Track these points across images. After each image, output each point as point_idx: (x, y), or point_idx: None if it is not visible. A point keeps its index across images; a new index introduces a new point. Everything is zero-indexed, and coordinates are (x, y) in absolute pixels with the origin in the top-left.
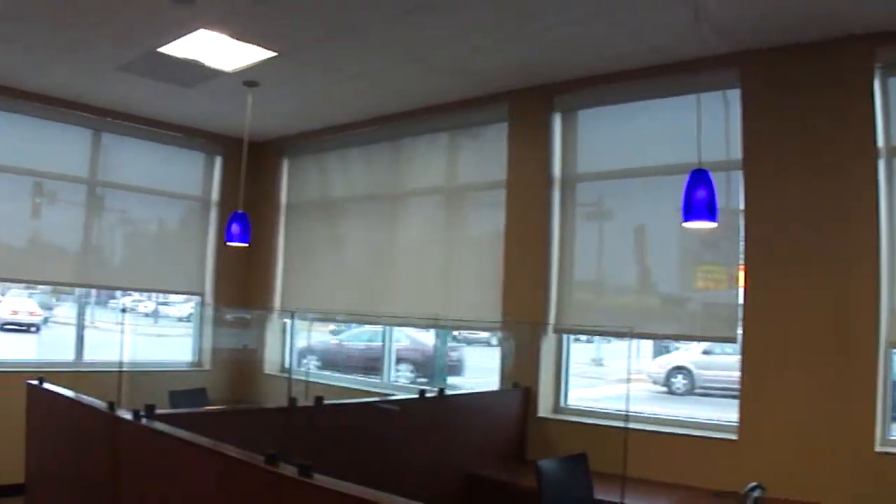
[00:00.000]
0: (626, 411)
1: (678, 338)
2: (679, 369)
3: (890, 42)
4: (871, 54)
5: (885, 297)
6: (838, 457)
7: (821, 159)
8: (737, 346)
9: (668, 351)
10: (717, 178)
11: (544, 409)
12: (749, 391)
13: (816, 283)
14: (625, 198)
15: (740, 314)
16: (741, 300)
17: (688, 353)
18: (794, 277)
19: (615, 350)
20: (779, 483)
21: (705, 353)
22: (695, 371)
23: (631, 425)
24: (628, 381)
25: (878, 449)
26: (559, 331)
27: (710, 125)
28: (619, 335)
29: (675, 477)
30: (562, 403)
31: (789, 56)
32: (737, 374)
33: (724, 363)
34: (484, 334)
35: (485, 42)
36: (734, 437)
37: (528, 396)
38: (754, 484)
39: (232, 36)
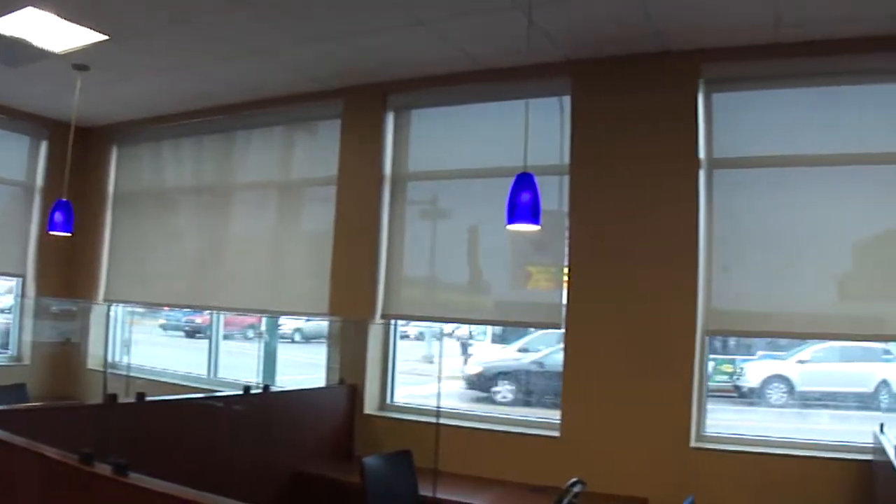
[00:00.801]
0: (438, 407)
1: (505, 324)
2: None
3: (714, 59)
4: (696, 70)
5: (700, 311)
6: (656, 452)
7: (645, 167)
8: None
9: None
10: (550, 182)
11: (371, 406)
12: (570, 388)
13: (636, 286)
14: (460, 198)
15: (564, 313)
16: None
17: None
18: (616, 279)
19: (449, 349)
20: (600, 478)
21: (801, 362)
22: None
23: (456, 423)
24: (439, 378)
25: (693, 444)
26: (387, 316)
27: (547, 130)
28: (443, 321)
29: (500, 473)
30: (388, 400)
31: (618, 67)
32: None
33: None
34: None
35: (316, 38)
36: (556, 433)
37: (355, 393)
38: (575, 479)
39: (61, 16)
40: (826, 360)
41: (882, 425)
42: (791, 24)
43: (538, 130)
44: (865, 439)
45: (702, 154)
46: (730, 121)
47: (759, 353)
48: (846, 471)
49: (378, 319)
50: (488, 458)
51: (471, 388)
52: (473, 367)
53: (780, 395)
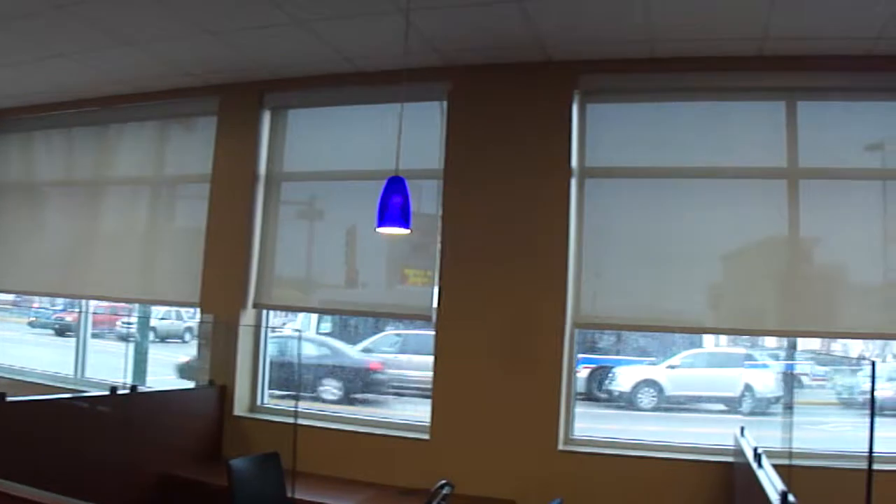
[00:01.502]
0: (296, 408)
1: (376, 314)
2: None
3: (589, 70)
4: (573, 80)
5: (569, 315)
6: (525, 454)
7: (519, 174)
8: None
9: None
10: (430, 186)
11: (241, 407)
12: (441, 391)
13: (507, 290)
14: (338, 199)
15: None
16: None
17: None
18: (487, 283)
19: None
20: (469, 480)
21: (671, 367)
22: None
23: (324, 425)
24: (298, 379)
25: (561, 447)
26: (259, 306)
27: (428, 134)
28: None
29: (371, 476)
30: (259, 402)
31: (496, 74)
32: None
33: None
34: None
35: (193, 32)
36: (426, 436)
37: (225, 394)
38: (443, 481)
39: None
40: (694, 365)
41: (742, 428)
42: (666, 40)
43: (419, 135)
44: (729, 442)
45: (574, 163)
46: (604, 131)
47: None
48: (709, 472)
49: (249, 309)
50: (358, 461)
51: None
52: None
53: (650, 399)
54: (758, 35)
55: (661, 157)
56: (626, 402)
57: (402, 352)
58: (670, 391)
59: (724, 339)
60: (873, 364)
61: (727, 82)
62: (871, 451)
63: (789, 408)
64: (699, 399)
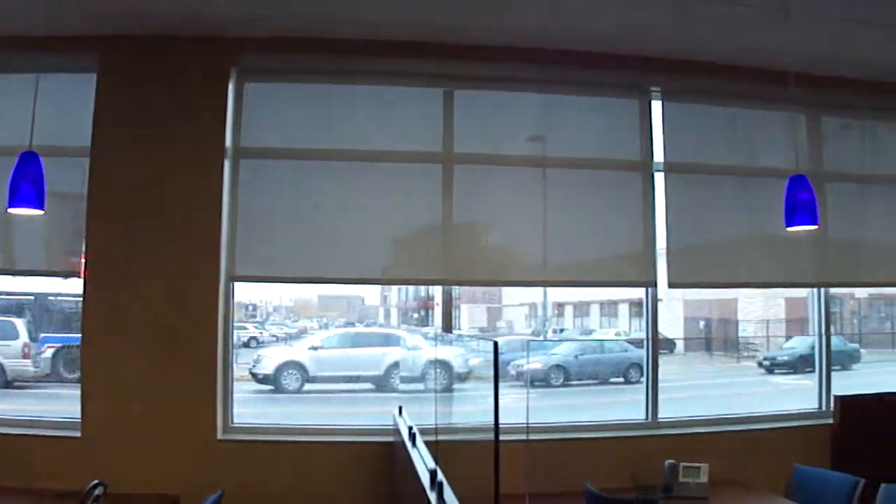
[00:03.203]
0: None
1: None
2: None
3: (248, 49)
4: (230, 57)
5: (221, 301)
6: (185, 446)
7: (172, 152)
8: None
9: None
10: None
11: None
12: (91, 383)
13: (159, 275)
14: None
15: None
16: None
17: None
18: (138, 268)
19: None
20: (130, 478)
21: (314, 348)
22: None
23: None
24: None
25: (221, 436)
26: None
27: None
28: None
29: (25, 480)
30: None
31: (150, 46)
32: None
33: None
34: None
35: None
36: (78, 433)
37: None
38: (96, 482)
39: None
40: (341, 345)
41: (401, 408)
42: (326, 21)
43: (68, 108)
44: (385, 421)
45: (229, 142)
46: (263, 112)
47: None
48: (371, 453)
49: None
50: (14, 465)
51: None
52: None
53: (294, 381)
54: (418, 22)
55: (322, 139)
56: (273, 383)
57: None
58: (315, 372)
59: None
60: (496, 344)
61: (387, 67)
62: (496, 423)
63: (449, 388)
64: (347, 379)
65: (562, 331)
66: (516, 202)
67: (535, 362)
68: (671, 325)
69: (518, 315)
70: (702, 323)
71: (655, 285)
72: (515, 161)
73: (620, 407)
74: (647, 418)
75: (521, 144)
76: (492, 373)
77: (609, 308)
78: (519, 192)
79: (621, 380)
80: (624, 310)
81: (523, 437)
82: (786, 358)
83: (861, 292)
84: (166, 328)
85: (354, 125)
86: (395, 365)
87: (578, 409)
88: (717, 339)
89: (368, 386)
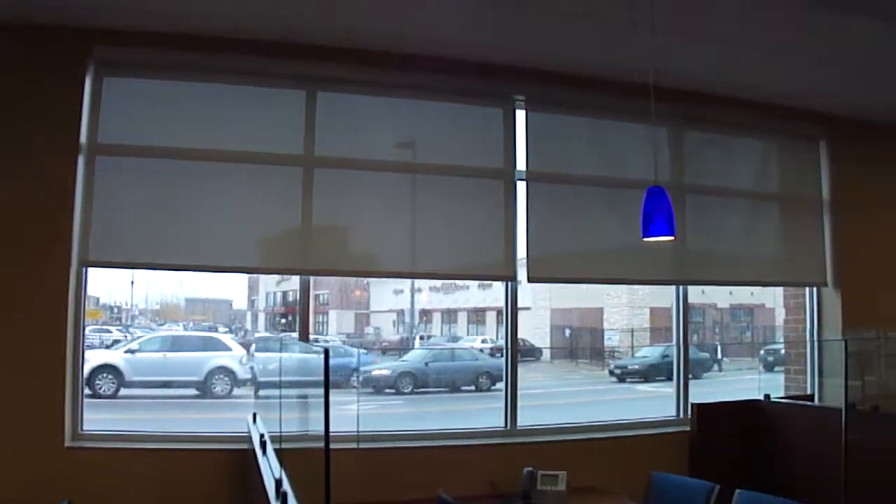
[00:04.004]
0: None
1: None
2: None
3: (107, 40)
4: (87, 50)
5: (71, 306)
6: (29, 455)
7: (20, 149)
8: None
9: None
10: None
11: None
12: None
13: (4, 285)
14: None
15: None
16: None
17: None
18: None
19: None
20: None
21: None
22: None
23: None
24: None
25: (69, 444)
26: None
27: None
28: None
29: None
30: None
31: (4, 37)
32: None
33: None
34: None
35: None
36: None
37: None
38: None
39: None
40: (161, 349)
41: (255, 415)
42: (192, 16)
43: None
44: (212, 428)
45: (84, 139)
46: (123, 107)
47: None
48: (225, 461)
49: None
50: None
51: None
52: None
53: (109, 385)
54: (281, 20)
55: (182, 137)
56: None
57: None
58: (131, 376)
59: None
60: (326, 351)
61: (250, 66)
62: (327, 431)
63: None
64: (167, 384)
65: (429, 338)
66: (382, 206)
67: (384, 369)
68: (538, 333)
69: (386, 322)
70: (567, 331)
71: (515, 279)
72: (381, 166)
73: (478, 415)
74: (506, 426)
75: (389, 150)
76: (348, 378)
77: (476, 316)
78: (385, 197)
79: (472, 388)
80: (491, 317)
81: (374, 444)
82: (636, 367)
83: (723, 303)
84: (8, 332)
85: (218, 124)
86: (220, 370)
87: (434, 417)
88: (583, 347)
89: (192, 391)
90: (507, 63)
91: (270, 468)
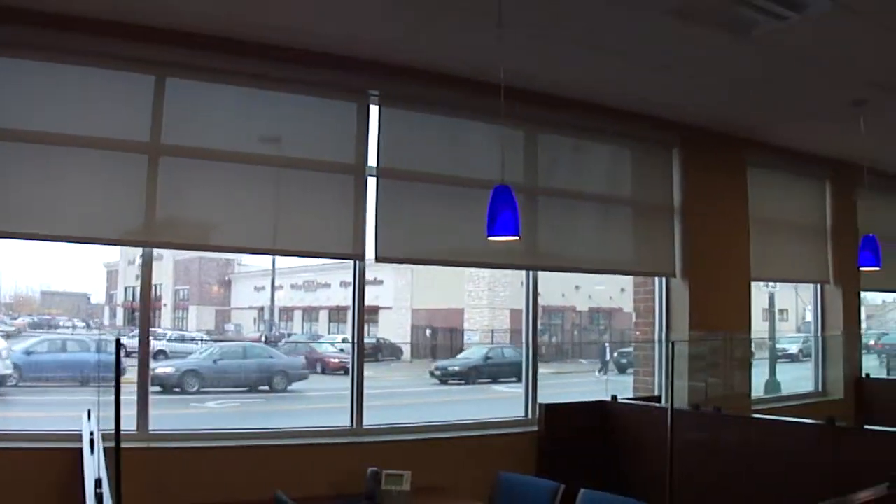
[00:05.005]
0: None
1: None
2: None
3: None
4: None
5: None
6: None
7: None
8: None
9: None
10: None
11: None
12: None
13: None
14: None
15: None
16: None
17: None
18: None
19: None
20: None
21: None
22: None
23: None
24: None
25: None
26: None
27: None
28: None
29: None
30: None
31: None
32: None
33: None
34: None
35: None
36: None
37: None
38: None
39: None
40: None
41: (89, 411)
42: None
43: None
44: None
45: None
46: None
47: None
48: (57, 460)
49: None
50: None
51: None
52: None
53: None
54: (129, 1)
55: (23, 119)
56: None
57: None
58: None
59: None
60: (118, 342)
61: (93, 47)
62: (118, 428)
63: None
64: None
65: (289, 335)
66: (235, 196)
67: (168, 367)
68: (399, 333)
69: (247, 319)
70: (428, 331)
71: (363, 259)
72: (235, 157)
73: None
74: (351, 425)
75: (245, 140)
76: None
77: (338, 314)
78: (241, 188)
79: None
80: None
81: (200, 443)
82: (457, 368)
83: (582, 306)
84: None
85: (60, 107)
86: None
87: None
88: (444, 346)
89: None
90: (362, 57)
91: (94, 468)
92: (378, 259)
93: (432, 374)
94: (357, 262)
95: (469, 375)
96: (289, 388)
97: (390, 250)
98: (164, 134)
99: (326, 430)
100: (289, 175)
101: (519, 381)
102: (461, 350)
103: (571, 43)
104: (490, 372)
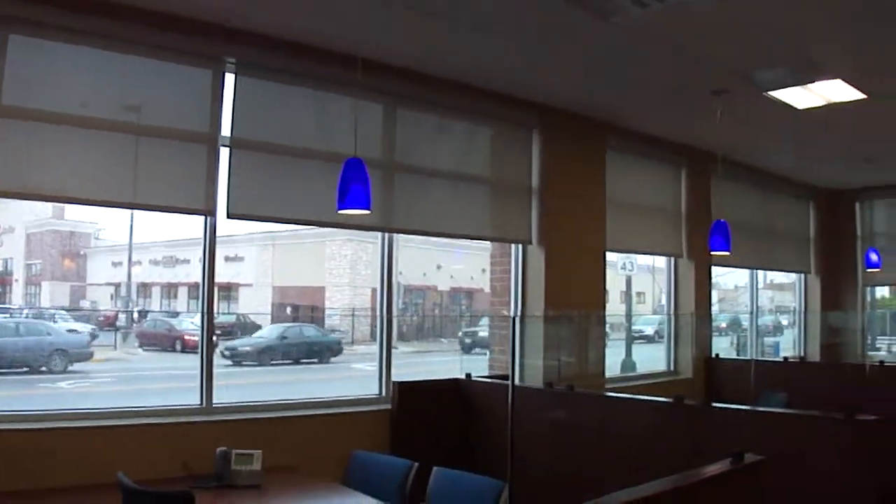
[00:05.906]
0: None
1: None
2: None
3: None
4: None
5: None
6: None
7: None
8: None
9: None
10: None
11: None
12: None
13: None
14: None
15: None
16: None
17: None
18: None
19: None
20: None
21: None
22: None
23: None
24: None
25: None
26: None
27: None
28: None
29: None
30: None
31: None
32: None
33: None
34: None
35: None
36: None
37: None
38: None
39: None
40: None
41: None
42: None
43: None
44: None
45: None
46: None
47: None
48: None
49: None
50: None
51: None
52: None
53: None
54: None
55: None
56: None
57: None
58: None
59: None
60: None
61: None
62: None
63: None
64: None
65: (147, 312)
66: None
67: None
68: (260, 310)
69: (104, 295)
70: (289, 309)
71: (214, 214)
72: (82, 122)
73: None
74: (201, 403)
75: (97, 104)
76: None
77: (198, 291)
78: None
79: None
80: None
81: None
82: (248, 348)
83: (444, 286)
84: None
85: None
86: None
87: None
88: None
89: None
90: (217, 21)
91: None
92: (230, 215)
93: (223, 354)
94: (208, 218)
95: (262, 356)
96: (69, 369)
97: (243, 207)
98: (6, 95)
99: (174, 410)
100: (144, 142)
101: (320, 362)
102: (258, 328)
103: (428, 15)
104: (288, 352)
